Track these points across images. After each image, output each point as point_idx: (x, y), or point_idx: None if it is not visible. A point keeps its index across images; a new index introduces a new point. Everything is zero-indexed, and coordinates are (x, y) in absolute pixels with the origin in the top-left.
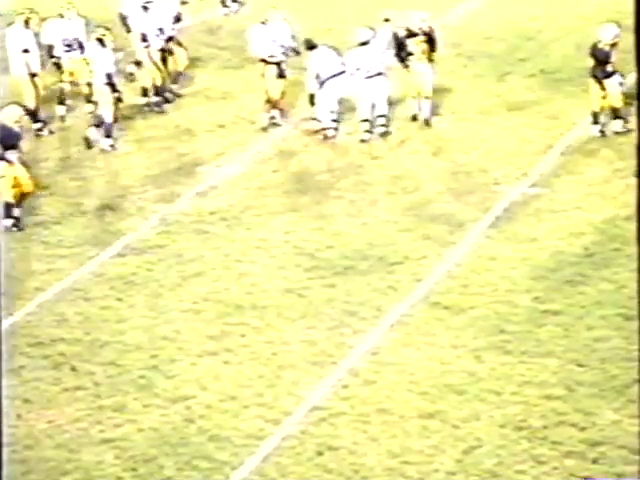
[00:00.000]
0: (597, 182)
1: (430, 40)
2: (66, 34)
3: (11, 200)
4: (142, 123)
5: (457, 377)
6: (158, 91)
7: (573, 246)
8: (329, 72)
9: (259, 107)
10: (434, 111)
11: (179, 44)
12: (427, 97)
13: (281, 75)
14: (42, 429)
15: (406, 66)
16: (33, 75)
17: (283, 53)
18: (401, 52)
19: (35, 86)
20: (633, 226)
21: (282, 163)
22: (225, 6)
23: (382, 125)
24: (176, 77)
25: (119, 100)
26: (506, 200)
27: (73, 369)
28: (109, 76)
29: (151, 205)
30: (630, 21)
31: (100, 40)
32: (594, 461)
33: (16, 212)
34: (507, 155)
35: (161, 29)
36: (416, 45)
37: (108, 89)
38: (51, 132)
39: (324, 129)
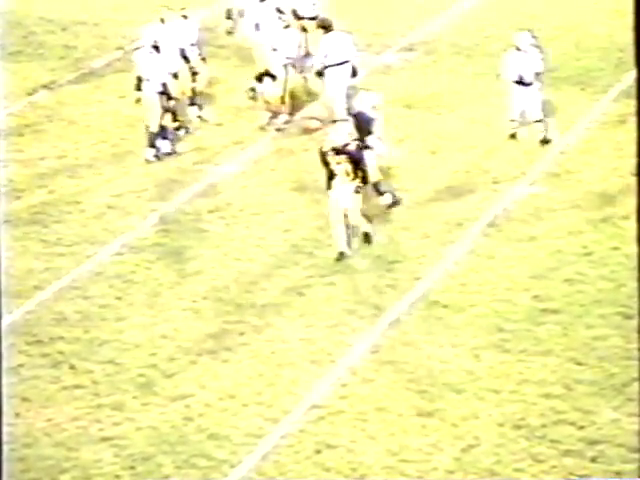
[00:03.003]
0: (596, 181)
1: (354, 161)
2: (191, 37)
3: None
4: None
5: (456, 376)
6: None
7: (572, 245)
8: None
9: (257, 106)
10: (431, 103)
11: None
12: (354, 225)
13: (272, 77)
14: (41, 427)
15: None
16: None
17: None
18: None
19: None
20: (632, 225)
21: (281, 161)
22: (229, 18)
23: None
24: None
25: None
26: (505, 199)
27: (72, 367)
28: (164, 85)
29: (150, 203)
30: (629, 19)
31: (156, 47)
32: (593, 460)
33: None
34: (506, 154)
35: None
36: (337, 164)
37: (157, 97)
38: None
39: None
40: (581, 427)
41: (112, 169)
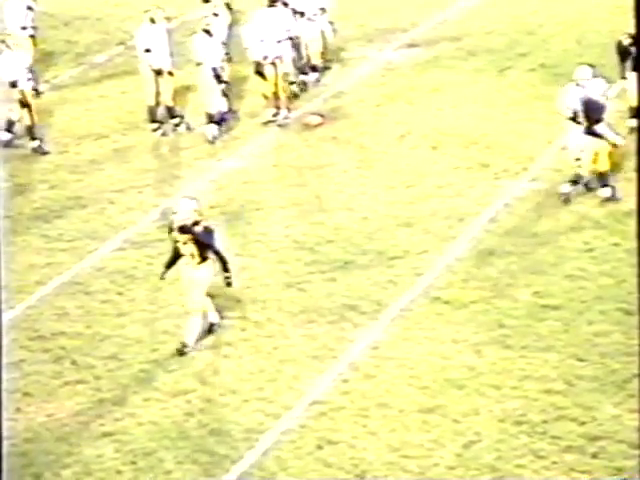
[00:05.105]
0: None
1: (199, 243)
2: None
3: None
4: None
5: (457, 371)
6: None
7: (573, 241)
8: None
9: (259, 101)
10: (433, 98)
11: None
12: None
13: (262, 74)
14: (42, 422)
15: None
16: (158, 72)
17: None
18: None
19: (158, 84)
20: (633, 221)
21: (282, 157)
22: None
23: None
24: None
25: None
26: (506, 194)
27: (73, 363)
28: (215, 69)
29: (151, 199)
30: (631, 16)
31: (207, 31)
32: (594, 456)
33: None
34: (508, 150)
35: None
36: (183, 245)
37: (214, 81)
38: (163, 134)
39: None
40: (582, 423)
41: (114, 164)
